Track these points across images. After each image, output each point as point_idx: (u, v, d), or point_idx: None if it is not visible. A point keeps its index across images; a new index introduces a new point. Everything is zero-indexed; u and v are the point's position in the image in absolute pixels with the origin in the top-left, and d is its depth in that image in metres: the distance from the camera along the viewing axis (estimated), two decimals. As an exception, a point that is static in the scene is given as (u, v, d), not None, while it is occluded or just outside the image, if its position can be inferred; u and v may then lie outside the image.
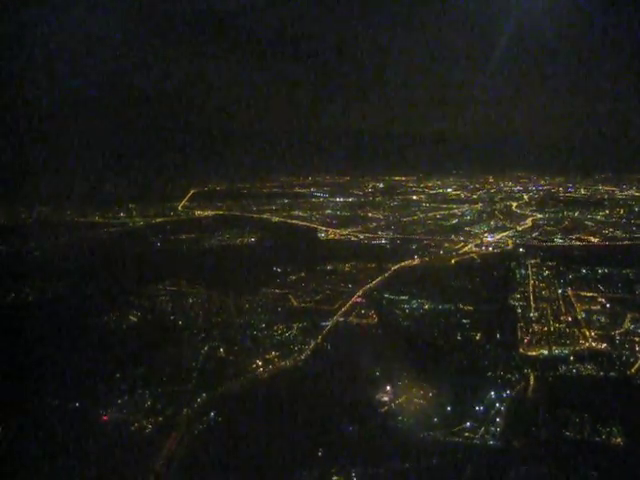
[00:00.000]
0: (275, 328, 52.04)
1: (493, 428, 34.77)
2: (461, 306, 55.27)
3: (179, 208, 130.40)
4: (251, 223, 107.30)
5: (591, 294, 56.10)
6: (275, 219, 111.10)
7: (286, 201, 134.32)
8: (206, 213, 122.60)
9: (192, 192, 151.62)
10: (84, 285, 67.75)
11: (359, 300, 58.90)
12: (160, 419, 37.85)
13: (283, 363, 45.44)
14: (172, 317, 56.79)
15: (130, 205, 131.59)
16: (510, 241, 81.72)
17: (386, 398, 38.96)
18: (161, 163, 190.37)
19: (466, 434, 34.40)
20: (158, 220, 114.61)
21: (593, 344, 45.48)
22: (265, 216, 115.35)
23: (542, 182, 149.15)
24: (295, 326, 52.14)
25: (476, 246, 79.67)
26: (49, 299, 63.39)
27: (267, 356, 46.48)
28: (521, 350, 45.41)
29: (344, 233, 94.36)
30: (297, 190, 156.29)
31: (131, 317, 56.86)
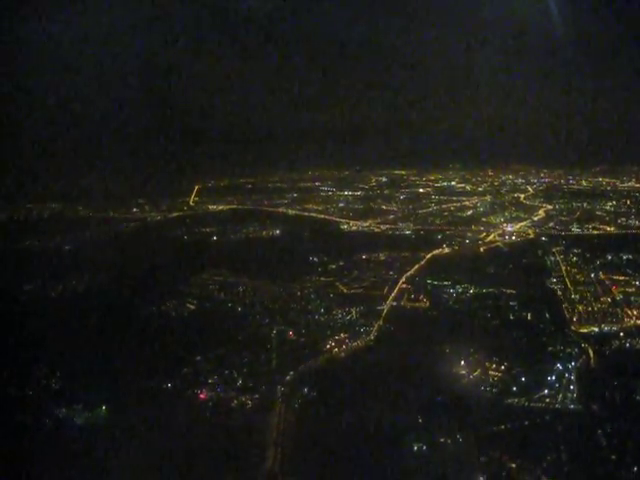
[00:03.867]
0: (334, 312, 55.04)
1: (570, 394, 38.40)
2: (504, 290, 58.89)
3: (191, 202, 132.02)
4: (269, 216, 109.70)
5: (623, 278, 60.06)
6: (292, 212, 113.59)
7: (295, 195, 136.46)
8: (220, 207, 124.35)
9: (197, 187, 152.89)
10: (130, 276, 70.04)
11: (404, 286, 62.17)
12: (256, 396, 40.71)
13: (355, 343, 48.55)
14: (229, 304, 59.48)
15: (140, 200, 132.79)
16: (530, 231, 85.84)
17: (463, 372, 42.33)
18: (163, 159, 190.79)
19: (547, 400, 37.99)
20: (174, 214, 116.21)
21: (638, 321, 49.48)
22: (280, 209, 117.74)
23: (541, 175, 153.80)
24: (353, 310, 55.23)
25: (499, 235, 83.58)
26: (99, 291, 65.47)
27: (337, 337, 49.59)
28: (572, 328, 49.19)
29: (365, 225, 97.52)
30: (302, 184, 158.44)
31: (189, 305, 59.28)
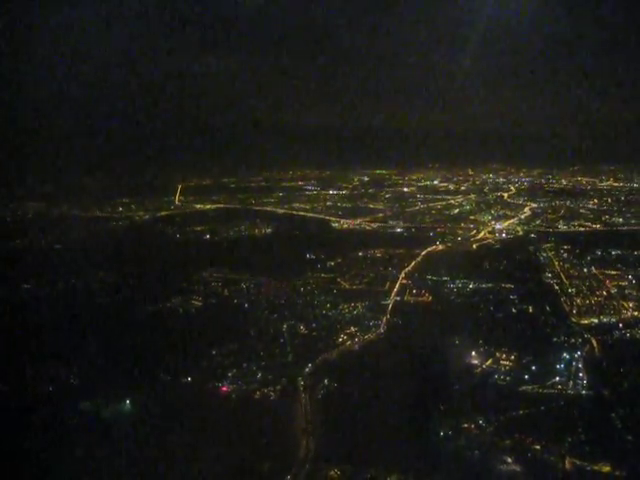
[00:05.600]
0: (340, 307, 56.27)
1: (580, 381, 40.31)
2: (502, 285, 60.85)
3: (176, 202, 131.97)
4: (258, 215, 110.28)
5: (615, 272, 62.59)
6: (280, 211, 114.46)
7: (281, 194, 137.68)
8: (207, 206, 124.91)
9: (180, 186, 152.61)
10: (131, 274, 70.04)
11: (405, 282, 63.70)
12: (278, 387, 41.64)
13: (367, 336, 49.81)
14: (235, 300, 60.14)
15: (124, 200, 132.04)
16: (519, 228, 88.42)
17: (476, 361, 43.97)
18: (143, 159, 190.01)
19: (559, 387, 39.82)
20: (163, 214, 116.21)
21: (635, 313, 51.86)
22: (268, 208, 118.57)
23: (521, 174, 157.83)
24: (359, 305, 56.52)
25: (489, 233, 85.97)
26: (102, 288, 65.34)
27: (348, 331, 50.80)
28: (573, 320, 51.32)
29: (356, 223, 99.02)
30: (286, 184, 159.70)
31: (194, 302, 59.76)
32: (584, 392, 39.16)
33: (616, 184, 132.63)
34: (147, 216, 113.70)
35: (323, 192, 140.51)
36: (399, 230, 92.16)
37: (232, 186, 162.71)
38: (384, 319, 53.24)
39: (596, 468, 30.78)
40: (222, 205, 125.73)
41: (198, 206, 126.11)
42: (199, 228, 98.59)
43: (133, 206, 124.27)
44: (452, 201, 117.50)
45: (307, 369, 43.91)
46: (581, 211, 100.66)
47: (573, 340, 46.91)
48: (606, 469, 30.61)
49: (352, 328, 51.38)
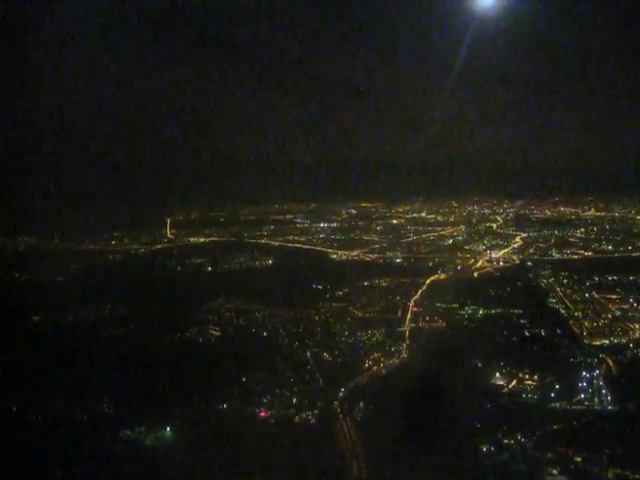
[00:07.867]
0: (359, 335, 57.75)
1: (604, 397, 42.46)
2: (511, 310, 63.20)
3: (169, 235, 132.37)
4: (255, 248, 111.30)
5: (615, 296, 65.45)
6: (276, 243, 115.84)
7: (272, 227, 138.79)
8: (201, 240, 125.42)
9: (169, 220, 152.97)
10: (142, 305, 70.48)
11: (415, 309, 65.59)
12: (316, 412, 42.85)
13: (391, 361, 51.41)
14: (253, 330, 61.23)
15: (116, 233, 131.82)
16: (514, 257, 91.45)
17: (501, 382, 45.89)
18: (130, 193, 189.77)
19: (586, 403, 41.91)
20: (158, 247, 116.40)
21: (643, 334, 54.70)
22: (263, 241, 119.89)
23: (505, 205, 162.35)
24: (377, 332, 58.12)
25: (487, 262, 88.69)
26: (116, 320, 65.60)
27: (372, 357, 52.38)
28: (585, 341, 53.77)
29: (354, 254, 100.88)
30: (274, 217, 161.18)
31: (212, 332, 60.60)
32: (610, 407, 41.26)
33: (598, 214, 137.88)
34: (143, 249, 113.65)
35: (314, 225, 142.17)
36: (398, 260, 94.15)
37: (221, 220, 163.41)
38: (404, 345, 54.92)
39: (638, 477, 32.60)
40: (216, 238, 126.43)
41: (192, 239, 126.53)
42: (199, 260, 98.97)
43: (126, 240, 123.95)
44: (443, 232, 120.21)
45: (340, 394, 45.14)
46: (570, 240, 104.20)
47: (589, 360, 49.07)
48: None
49: (375, 354, 52.96)
